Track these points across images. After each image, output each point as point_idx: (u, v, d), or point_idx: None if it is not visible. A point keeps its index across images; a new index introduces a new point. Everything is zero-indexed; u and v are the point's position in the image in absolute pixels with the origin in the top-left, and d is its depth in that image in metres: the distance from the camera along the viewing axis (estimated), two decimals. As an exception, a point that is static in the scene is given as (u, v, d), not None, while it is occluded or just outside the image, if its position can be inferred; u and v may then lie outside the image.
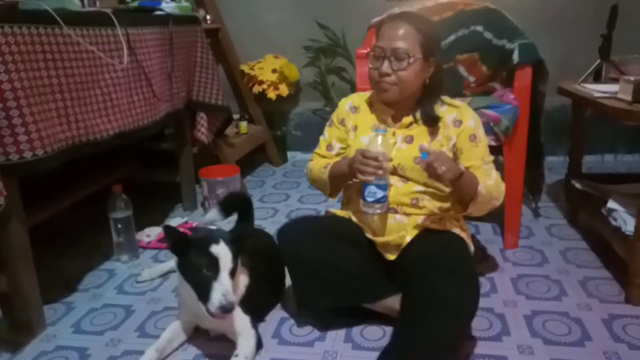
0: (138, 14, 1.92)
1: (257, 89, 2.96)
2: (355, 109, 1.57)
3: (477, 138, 1.45)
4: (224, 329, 1.40)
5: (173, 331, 1.43)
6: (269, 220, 2.32)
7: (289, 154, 3.30)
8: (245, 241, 1.39)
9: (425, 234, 1.44)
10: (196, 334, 1.47)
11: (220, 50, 2.87)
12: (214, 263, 1.26)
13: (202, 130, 2.37)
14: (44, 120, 1.40)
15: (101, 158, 2.28)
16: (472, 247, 1.51)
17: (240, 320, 1.38)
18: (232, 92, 3.05)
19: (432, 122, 1.46)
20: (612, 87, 1.69)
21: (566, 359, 1.32)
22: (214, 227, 1.44)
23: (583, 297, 1.60)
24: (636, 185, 1.92)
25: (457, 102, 1.52)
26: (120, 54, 1.71)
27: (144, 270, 1.84)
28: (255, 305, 1.47)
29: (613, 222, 1.65)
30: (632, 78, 1.48)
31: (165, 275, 1.84)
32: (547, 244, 1.96)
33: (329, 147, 1.59)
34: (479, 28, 2.13)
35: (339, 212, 1.59)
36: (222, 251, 1.28)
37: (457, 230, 1.49)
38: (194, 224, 2.22)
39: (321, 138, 1.62)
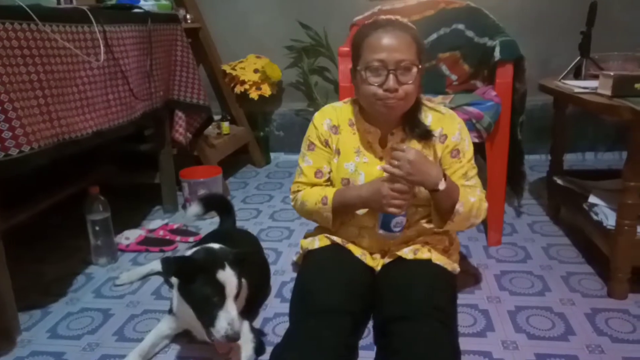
0: (115, 11, 1.88)
1: (239, 89, 2.94)
2: (335, 129, 1.45)
3: (461, 153, 1.40)
4: None
5: (157, 335, 1.39)
6: (252, 221, 2.29)
7: (272, 155, 3.27)
8: (246, 256, 1.33)
9: (405, 266, 1.38)
10: (177, 336, 1.43)
11: (201, 50, 2.85)
12: (220, 291, 1.21)
13: (180, 130, 2.33)
14: (27, 117, 1.37)
15: (80, 160, 2.25)
16: (456, 269, 1.45)
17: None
18: (213, 93, 3.02)
19: (426, 137, 1.39)
20: (592, 83, 1.70)
21: (550, 354, 1.32)
22: (215, 246, 1.36)
23: (566, 292, 1.60)
24: (616, 181, 1.93)
25: (441, 108, 1.44)
26: (97, 51, 1.67)
27: (122, 273, 1.79)
28: (253, 309, 1.47)
29: (594, 217, 1.66)
30: (611, 73, 1.49)
31: (144, 278, 1.80)
32: (530, 241, 1.97)
33: (319, 173, 1.47)
34: (461, 26, 2.14)
35: (319, 239, 1.49)
36: (228, 277, 1.23)
37: (439, 255, 1.41)
38: (175, 226, 2.18)
39: (303, 165, 1.49)
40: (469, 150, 1.41)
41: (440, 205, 1.36)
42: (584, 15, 1.96)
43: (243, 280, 1.37)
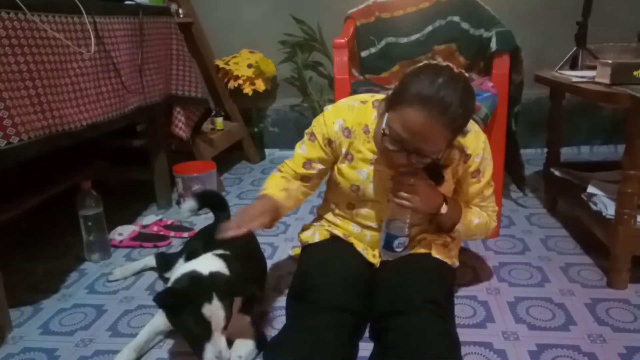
0: (106, 3, 1.84)
1: (232, 84, 2.91)
2: (348, 132, 1.34)
3: (481, 173, 1.34)
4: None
5: (152, 330, 1.36)
6: (247, 216, 2.26)
7: (267, 151, 3.25)
8: (241, 286, 1.27)
9: (403, 260, 1.36)
10: (172, 331, 1.40)
11: (194, 45, 2.80)
12: (206, 326, 1.14)
13: (180, 125, 2.30)
14: (16, 107, 1.33)
15: (71, 156, 2.21)
16: (455, 263, 1.42)
17: (241, 320, 1.31)
18: (206, 88, 2.98)
19: (438, 180, 1.32)
20: (589, 73, 1.69)
21: (552, 344, 1.30)
22: (205, 270, 1.23)
23: (565, 283, 1.59)
24: (614, 172, 1.92)
25: (467, 130, 1.29)
26: (87, 42, 1.64)
27: (115, 268, 1.76)
28: (252, 304, 1.43)
29: (593, 207, 1.65)
30: (609, 61, 1.48)
31: (138, 273, 1.77)
32: (528, 233, 1.96)
33: (307, 164, 1.40)
34: (456, 18, 2.13)
35: (319, 232, 1.47)
36: (215, 311, 1.14)
37: (438, 250, 1.39)
38: (169, 222, 2.15)
39: (298, 150, 1.41)
40: (488, 170, 1.36)
41: (441, 225, 1.39)
42: (577, 7, 1.95)
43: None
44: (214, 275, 1.22)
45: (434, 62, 1.20)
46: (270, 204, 1.31)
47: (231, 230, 1.20)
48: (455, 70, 1.15)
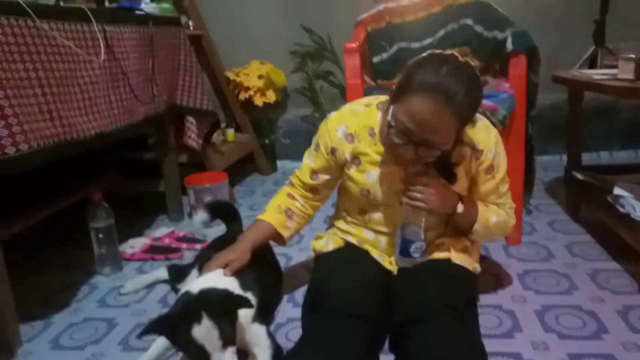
0: (116, 11, 1.84)
1: (243, 95, 2.89)
2: (351, 137, 1.31)
3: (495, 169, 1.28)
4: (237, 345, 1.20)
5: (164, 344, 1.30)
6: (260, 227, 2.22)
7: (279, 162, 3.21)
8: (237, 300, 1.18)
9: (422, 267, 1.31)
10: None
11: (204, 57, 2.79)
12: (200, 350, 1.07)
13: (192, 136, 2.28)
14: (25, 114, 1.31)
15: (83, 168, 2.19)
16: (477, 268, 1.36)
17: (256, 331, 1.25)
18: (217, 100, 2.97)
19: (450, 179, 1.27)
20: (610, 71, 1.64)
21: (584, 353, 1.23)
22: (196, 289, 1.18)
23: (594, 290, 1.51)
24: (637, 176, 1.86)
25: (476, 118, 1.25)
26: (97, 51, 1.62)
27: (127, 281, 1.72)
28: (267, 313, 1.41)
29: (621, 209, 1.58)
30: (632, 56, 1.43)
31: (150, 286, 1.73)
32: (551, 239, 1.89)
33: (314, 175, 1.39)
34: (469, 21, 2.09)
35: (332, 240, 1.44)
36: (205, 332, 1.07)
37: (458, 255, 1.33)
38: (181, 234, 2.11)
39: (306, 160, 1.41)
40: (503, 166, 1.30)
41: (458, 225, 1.32)
42: (592, 8, 1.91)
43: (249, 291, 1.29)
44: (204, 294, 1.17)
45: (439, 51, 1.16)
46: (256, 235, 1.42)
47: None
48: (461, 59, 1.12)
